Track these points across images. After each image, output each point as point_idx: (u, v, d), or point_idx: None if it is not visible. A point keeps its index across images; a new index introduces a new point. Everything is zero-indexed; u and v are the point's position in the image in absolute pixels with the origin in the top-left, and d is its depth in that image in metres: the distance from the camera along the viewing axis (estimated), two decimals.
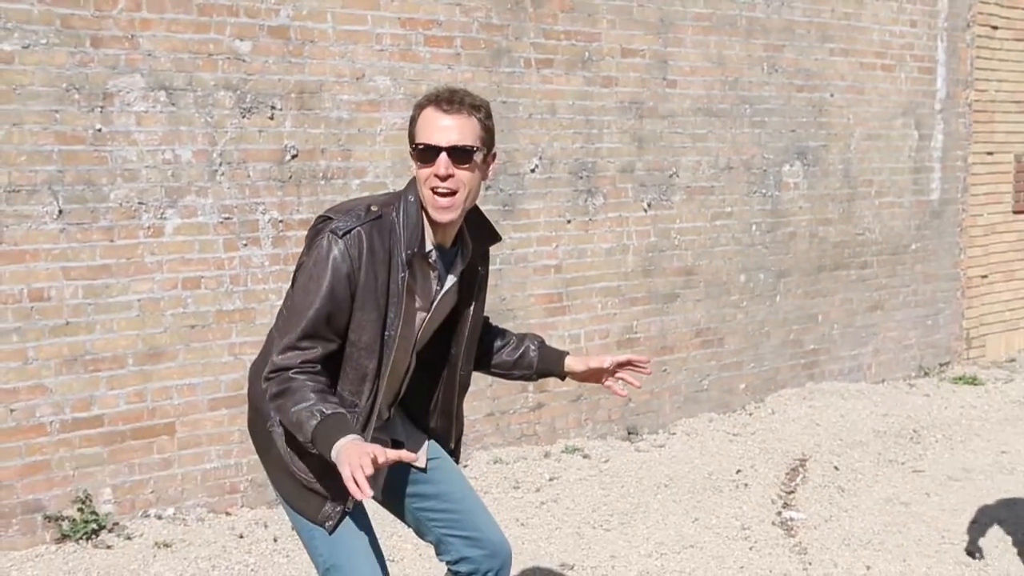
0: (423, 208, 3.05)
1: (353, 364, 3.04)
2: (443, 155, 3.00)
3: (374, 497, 3.30)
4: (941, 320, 9.38)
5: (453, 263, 3.17)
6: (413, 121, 3.06)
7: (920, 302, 9.18)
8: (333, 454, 2.83)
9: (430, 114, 3.04)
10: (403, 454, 2.87)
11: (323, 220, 3.05)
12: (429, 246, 3.08)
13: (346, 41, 6.00)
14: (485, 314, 3.43)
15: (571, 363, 3.50)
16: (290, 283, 3.17)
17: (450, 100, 3.04)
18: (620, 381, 3.56)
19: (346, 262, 2.95)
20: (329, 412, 2.90)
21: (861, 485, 6.43)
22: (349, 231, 2.97)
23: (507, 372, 3.52)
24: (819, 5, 8.22)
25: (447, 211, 3.03)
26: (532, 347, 3.50)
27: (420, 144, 3.03)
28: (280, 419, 3.02)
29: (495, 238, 3.28)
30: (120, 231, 5.37)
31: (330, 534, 3.10)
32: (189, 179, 5.55)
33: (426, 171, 3.02)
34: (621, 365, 3.53)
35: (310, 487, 3.09)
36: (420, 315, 3.13)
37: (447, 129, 3.02)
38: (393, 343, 3.06)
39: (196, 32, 5.51)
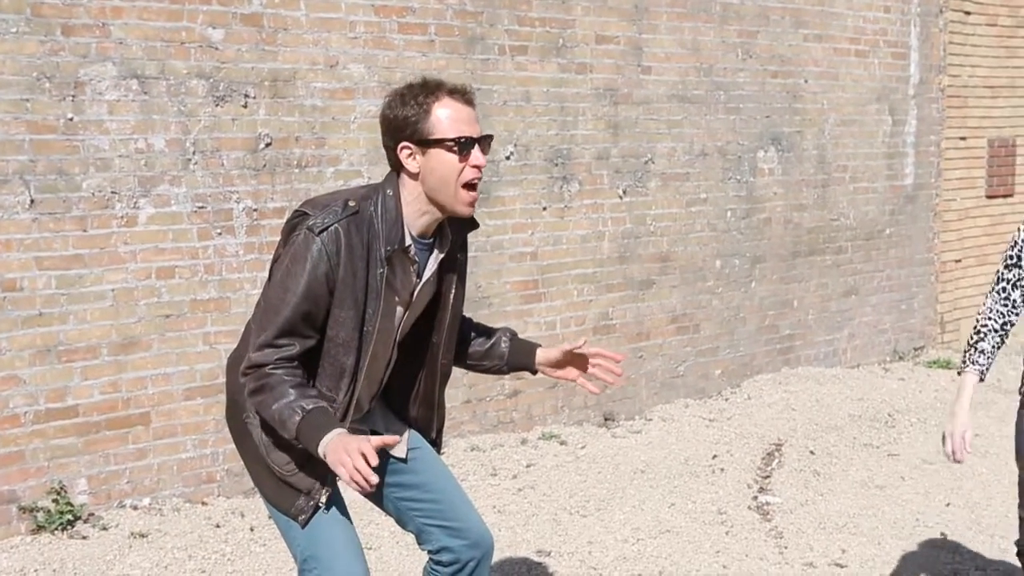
0: (400, 201, 3.04)
1: (331, 360, 3.03)
2: (477, 147, 3.01)
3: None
4: (915, 305, 9.43)
5: (431, 253, 3.15)
6: (426, 113, 2.98)
7: (894, 287, 9.23)
8: (320, 451, 2.84)
9: (455, 105, 3.00)
10: (386, 439, 2.89)
11: (299, 215, 3.02)
12: (409, 240, 3.06)
13: (319, 29, 5.98)
14: None
15: (543, 355, 3.45)
16: (267, 276, 3.15)
17: (464, 91, 3.04)
18: (593, 378, 3.49)
19: (324, 259, 2.93)
20: (311, 408, 2.89)
21: (836, 469, 6.47)
22: (327, 227, 2.94)
23: (477, 363, 3.47)
24: None
25: (474, 203, 3.06)
26: (504, 339, 3.46)
27: (462, 138, 2.99)
28: (262, 416, 3.00)
29: (473, 225, 3.26)
30: (93, 221, 5.34)
31: (303, 528, 3.09)
32: (162, 168, 5.52)
33: (461, 164, 2.99)
34: (594, 355, 3.47)
35: (285, 480, 3.09)
36: (399, 309, 3.11)
37: (474, 120, 3.02)
38: (371, 339, 3.04)
39: (168, 20, 5.48)
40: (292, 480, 3.08)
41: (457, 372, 6.38)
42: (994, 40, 9.83)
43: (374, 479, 2.76)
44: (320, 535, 3.10)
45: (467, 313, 3.52)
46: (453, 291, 3.25)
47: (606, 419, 7.32)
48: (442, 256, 3.16)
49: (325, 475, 3.05)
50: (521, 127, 6.81)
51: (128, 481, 5.52)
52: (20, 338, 5.18)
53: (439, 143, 2.99)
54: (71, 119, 5.25)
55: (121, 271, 5.43)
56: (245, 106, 5.74)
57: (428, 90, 3.02)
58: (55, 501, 5.27)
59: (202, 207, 5.64)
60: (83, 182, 5.30)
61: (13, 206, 5.13)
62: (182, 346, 5.63)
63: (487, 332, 3.49)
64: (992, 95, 9.85)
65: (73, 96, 5.25)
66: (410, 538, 3.45)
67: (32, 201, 5.17)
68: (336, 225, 2.95)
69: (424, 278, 3.14)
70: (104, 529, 5.28)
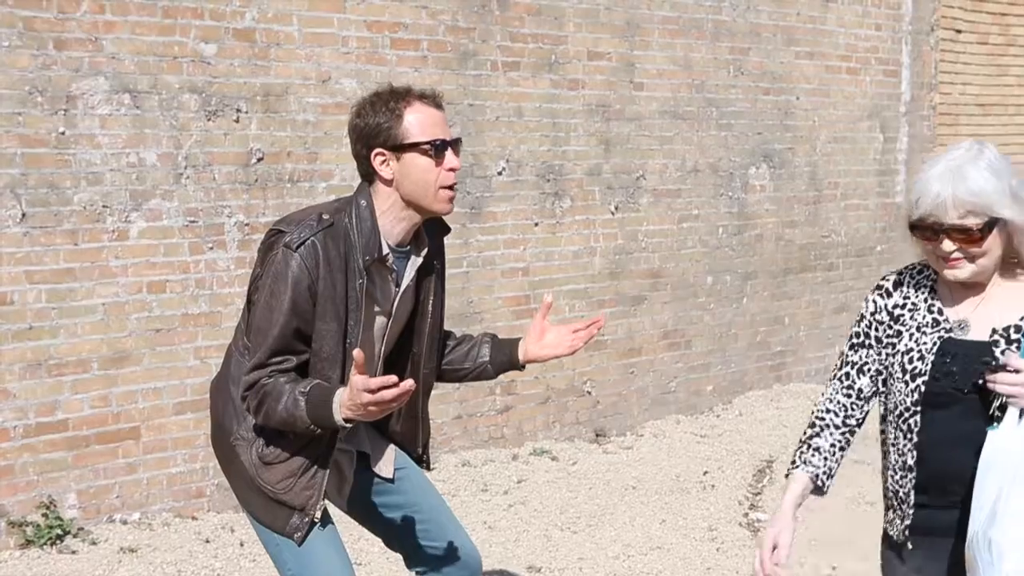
0: (374, 211, 3.03)
1: (316, 374, 3.01)
2: (450, 150, 3.02)
3: (340, 507, 3.30)
4: None
5: (408, 260, 3.14)
6: (398, 118, 2.98)
7: None
8: (339, 420, 2.86)
9: (425, 109, 3.01)
10: (388, 378, 2.80)
11: (275, 234, 3.02)
12: (386, 249, 3.05)
13: (312, 44, 5.99)
14: None
15: (524, 345, 3.34)
16: (246, 299, 3.14)
17: (432, 95, 3.06)
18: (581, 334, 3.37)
19: (304, 273, 2.92)
20: (309, 388, 2.90)
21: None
22: (304, 242, 2.93)
23: (459, 367, 3.37)
24: (785, 8, 8.26)
25: (453, 200, 3.08)
26: (485, 340, 3.40)
27: (437, 141, 3.00)
28: (271, 425, 2.99)
29: (445, 229, 3.26)
30: (84, 234, 5.34)
31: (299, 546, 3.07)
32: (154, 182, 5.52)
33: (438, 168, 3.00)
34: (575, 330, 3.36)
35: (277, 499, 3.07)
36: (380, 319, 3.11)
37: (445, 123, 3.05)
38: (353, 350, 3.04)
39: (160, 34, 5.48)
40: (285, 498, 3.06)
41: (448, 387, 6.39)
42: (985, 58, 9.87)
43: (397, 391, 2.74)
44: (310, 556, 3.08)
45: (458, 329, 3.52)
46: (432, 298, 3.22)
47: (597, 435, 7.32)
48: (420, 262, 3.15)
49: (319, 490, 3.05)
50: (513, 143, 6.82)
51: (118, 496, 5.50)
52: (10, 352, 5.17)
53: (413, 147, 2.99)
54: (63, 133, 5.25)
55: (112, 285, 5.42)
56: (237, 121, 5.74)
57: (397, 96, 3.02)
58: (44, 515, 5.25)
59: (194, 221, 5.64)
60: (74, 196, 5.30)
61: (4, 220, 5.12)
62: (173, 360, 5.62)
63: (468, 338, 3.44)
64: (983, 113, 9.88)
65: (65, 110, 5.25)
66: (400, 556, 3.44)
67: (23, 215, 5.16)
68: (312, 239, 2.94)
69: (403, 286, 3.12)
70: (94, 544, 5.26)
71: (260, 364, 2.96)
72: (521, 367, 3.37)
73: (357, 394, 2.76)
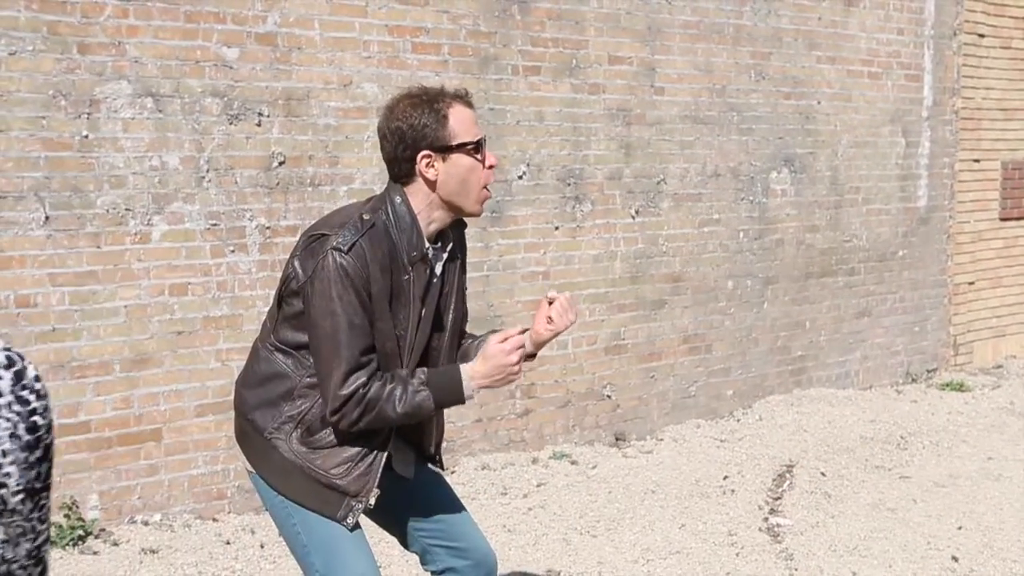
0: (412, 209, 3.05)
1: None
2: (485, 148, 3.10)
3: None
4: (928, 327, 9.41)
5: (437, 257, 3.16)
6: (444, 119, 3.01)
7: (907, 309, 9.21)
8: (469, 393, 3.06)
9: (464, 110, 3.06)
10: (515, 342, 3.07)
11: (318, 237, 3.02)
12: (427, 245, 3.09)
13: (333, 48, 6.01)
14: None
15: (533, 331, 3.27)
16: (276, 297, 3.13)
17: (466, 95, 3.10)
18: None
19: (359, 275, 2.94)
20: (426, 379, 3.02)
21: (848, 491, 6.45)
22: (353, 244, 2.95)
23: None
24: (806, 13, 8.25)
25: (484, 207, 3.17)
26: (489, 333, 3.36)
27: (479, 140, 3.07)
28: (382, 425, 3.02)
29: (462, 223, 3.28)
30: (107, 237, 5.37)
31: (351, 531, 3.08)
32: (176, 186, 5.55)
33: (479, 166, 3.07)
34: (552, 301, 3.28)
35: (330, 484, 3.07)
36: (423, 313, 3.12)
37: (478, 123, 3.10)
38: (406, 345, 3.07)
39: (183, 39, 5.52)
40: (340, 483, 3.07)
41: None
42: (1008, 63, 9.83)
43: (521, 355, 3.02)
44: (340, 558, 3.09)
45: (477, 332, 3.52)
46: (455, 291, 3.25)
47: (617, 439, 7.32)
48: (445, 256, 3.18)
49: (375, 476, 3.08)
50: (534, 147, 6.83)
51: (139, 497, 5.53)
52: (34, 353, 5.20)
53: (459, 148, 3.03)
54: (86, 136, 5.29)
55: (134, 288, 5.46)
56: (259, 124, 5.77)
57: (438, 97, 3.06)
58: (67, 516, 5.28)
59: (215, 225, 5.67)
60: (97, 199, 5.33)
61: (28, 222, 5.16)
62: (194, 363, 5.65)
63: (474, 336, 3.42)
64: (1006, 117, 9.84)
65: (88, 114, 5.29)
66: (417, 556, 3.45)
67: (47, 218, 5.20)
68: (360, 240, 2.96)
69: (434, 281, 3.15)
70: (115, 545, 5.29)
71: (348, 372, 2.95)
72: (530, 356, 3.30)
73: (504, 357, 3.00)
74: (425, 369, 3.04)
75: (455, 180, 3.05)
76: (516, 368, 3.02)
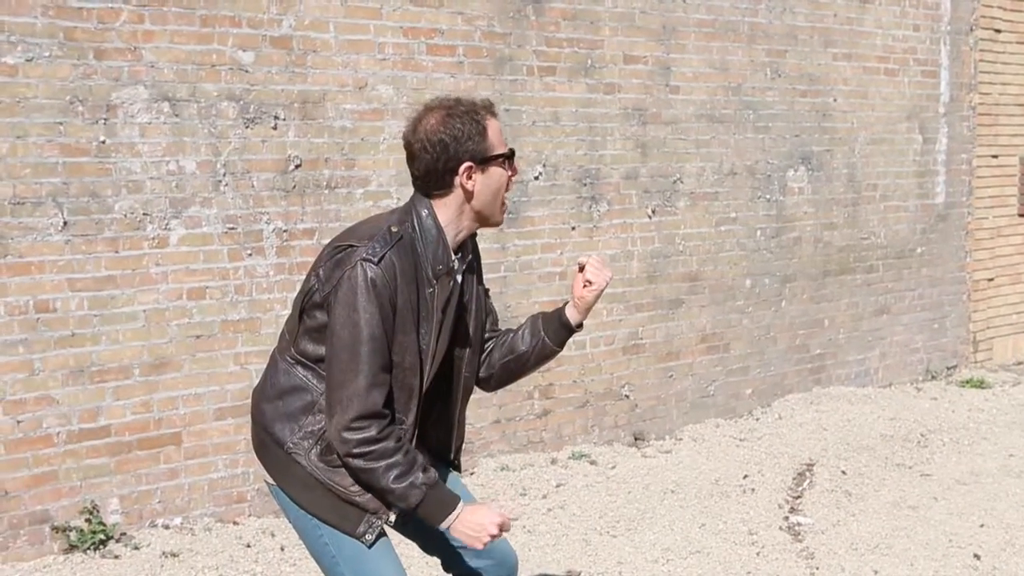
0: (439, 222, 3.06)
1: (399, 384, 3.04)
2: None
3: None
4: (948, 324, 9.37)
5: (459, 267, 3.17)
6: (482, 133, 3.03)
7: (926, 306, 9.18)
8: (444, 524, 3.02)
9: (496, 123, 3.09)
10: (509, 513, 3.07)
11: (346, 248, 3.01)
12: (453, 257, 3.10)
13: (348, 51, 6.02)
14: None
15: (572, 301, 3.32)
16: (298, 307, 3.13)
17: (493, 105, 3.13)
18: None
19: (386, 287, 2.94)
20: (431, 482, 3.00)
21: (868, 489, 6.42)
22: (383, 256, 2.95)
23: (518, 352, 3.34)
24: (821, 10, 8.22)
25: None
26: (531, 318, 3.39)
27: (510, 151, 3.11)
28: (367, 481, 3.02)
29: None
30: (125, 242, 5.39)
31: (369, 548, 3.08)
32: (193, 190, 5.56)
33: (507, 177, 3.11)
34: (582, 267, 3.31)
35: (350, 500, 3.06)
36: (439, 324, 3.12)
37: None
38: (427, 357, 3.07)
39: (199, 43, 5.53)
40: (359, 500, 3.07)
41: (486, 392, 6.37)
42: None
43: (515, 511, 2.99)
44: (368, 571, 3.09)
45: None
46: (475, 300, 3.26)
47: (636, 439, 7.30)
48: (463, 267, 3.19)
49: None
50: (550, 147, 6.83)
51: (159, 501, 5.54)
52: (53, 359, 5.23)
53: (495, 159, 3.07)
54: (103, 142, 5.30)
55: (152, 292, 5.47)
56: (275, 128, 5.78)
57: (477, 107, 3.07)
58: (88, 520, 5.30)
59: (232, 228, 5.68)
60: (115, 204, 5.35)
61: (46, 228, 5.18)
62: (213, 366, 5.66)
63: (511, 329, 3.43)
64: (1023, 112, 9.79)
65: (105, 119, 5.30)
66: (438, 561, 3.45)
67: (65, 223, 5.22)
68: (389, 252, 2.97)
69: (455, 291, 3.16)
70: (136, 548, 5.31)
71: (368, 386, 2.94)
72: (577, 326, 3.34)
73: (491, 525, 3.00)
74: (436, 475, 3.03)
75: (489, 191, 3.08)
76: (488, 537, 3.01)
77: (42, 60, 5.13)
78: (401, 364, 3.02)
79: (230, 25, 5.62)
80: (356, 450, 2.95)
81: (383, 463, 2.95)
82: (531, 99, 6.74)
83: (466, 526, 3.01)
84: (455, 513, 3.01)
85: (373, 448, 2.95)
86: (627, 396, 7.30)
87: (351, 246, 3.00)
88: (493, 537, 3.02)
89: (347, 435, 2.95)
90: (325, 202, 5.96)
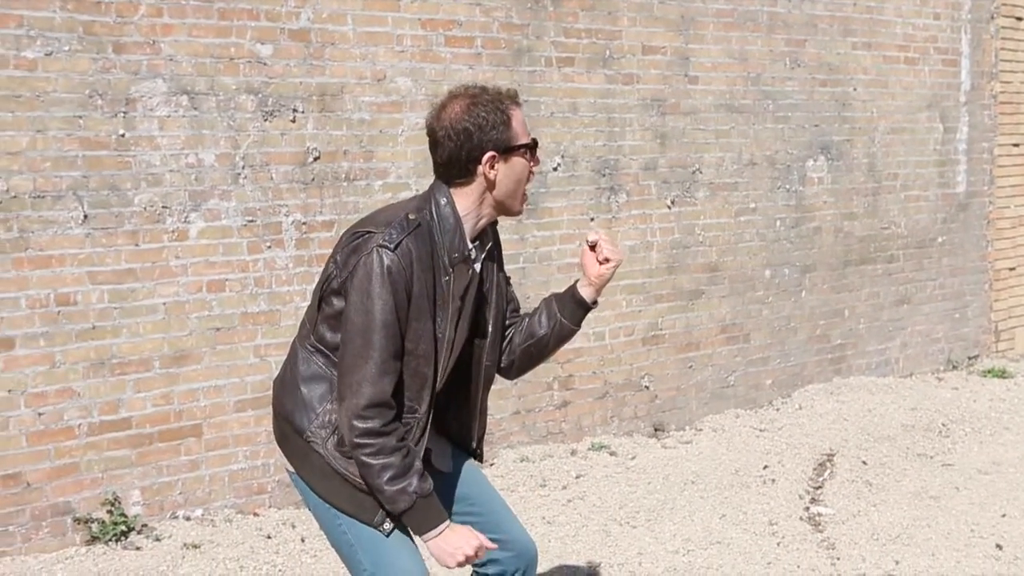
0: (456, 210, 3.06)
1: (412, 372, 3.04)
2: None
3: None
4: (969, 313, 9.32)
5: (477, 256, 3.17)
6: (507, 123, 3.03)
7: (947, 295, 9.13)
8: (426, 535, 3.04)
9: (520, 113, 3.09)
10: (487, 544, 3.12)
11: (363, 235, 3.01)
12: (470, 246, 3.10)
13: (367, 43, 6.02)
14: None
15: (586, 279, 3.33)
16: (317, 295, 3.14)
17: (517, 96, 3.12)
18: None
19: (402, 274, 2.95)
20: (426, 492, 3.01)
21: (889, 479, 6.40)
22: (399, 243, 2.95)
23: (537, 336, 3.34)
24: None
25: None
26: (545, 300, 3.39)
27: (533, 142, 3.11)
28: (363, 473, 3.02)
29: (495, 219, 3.28)
30: (145, 235, 5.41)
31: (387, 536, 3.09)
32: (212, 183, 5.58)
33: (528, 167, 3.10)
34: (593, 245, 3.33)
35: (365, 489, 3.07)
36: (458, 312, 3.13)
37: None
38: (442, 346, 3.07)
39: (217, 36, 5.54)
40: None
41: (506, 383, 6.40)
42: None
43: (491, 544, 3.13)
44: (387, 555, 3.10)
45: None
46: (495, 287, 3.26)
47: (656, 429, 7.30)
48: (483, 255, 3.19)
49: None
50: (568, 138, 6.82)
51: (180, 492, 5.57)
52: (74, 351, 5.25)
53: (518, 149, 3.07)
54: (123, 135, 5.32)
55: (173, 284, 5.49)
56: (294, 120, 5.79)
57: (502, 97, 3.08)
58: (109, 512, 5.33)
59: (252, 221, 5.70)
60: (135, 197, 5.37)
61: (67, 221, 5.20)
62: (233, 359, 5.68)
63: (527, 313, 3.43)
64: None
65: (125, 112, 5.32)
66: None
67: (85, 216, 5.24)
68: (406, 239, 2.97)
69: (474, 280, 3.16)
70: (157, 540, 5.33)
71: (378, 373, 2.95)
72: (593, 303, 3.36)
73: (467, 547, 3.04)
74: (431, 487, 3.03)
75: (511, 181, 3.08)
76: (462, 557, 3.05)
77: (61, 54, 5.15)
78: (415, 352, 3.02)
79: (248, 18, 5.63)
80: (358, 440, 2.97)
81: (379, 461, 2.96)
82: (549, 90, 6.73)
83: (445, 543, 3.03)
84: (437, 531, 3.03)
85: (374, 442, 2.96)
86: (647, 387, 7.29)
87: (368, 232, 3.01)
88: (466, 559, 3.05)
89: (355, 423, 2.96)
90: (344, 194, 5.97)
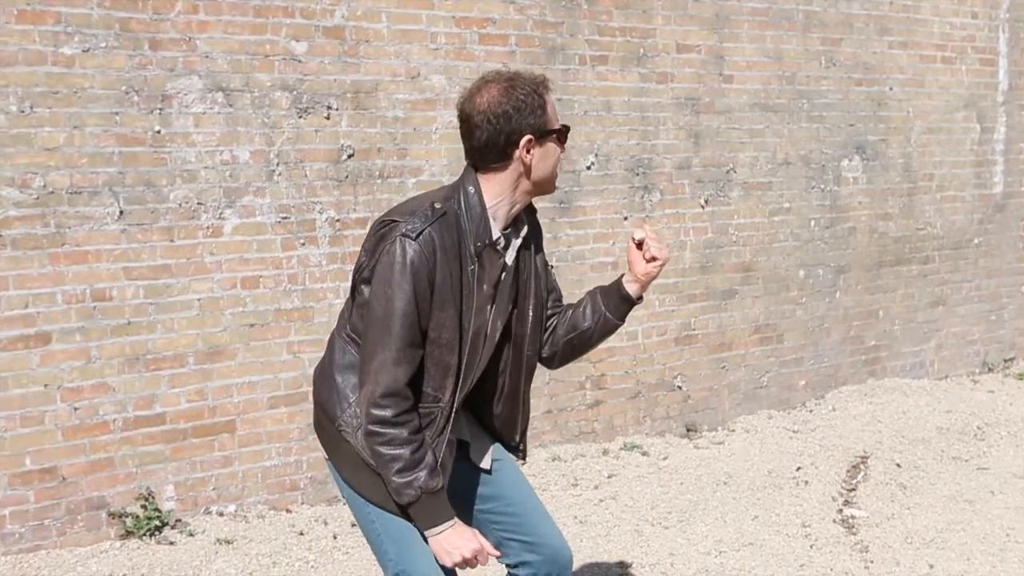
0: (483, 197, 3.06)
1: (435, 361, 3.04)
2: None
3: None
4: (1005, 315, 9.24)
5: (509, 243, 3.16)
6: (543, 107, 3.04)
7: (983, 297, 9.06)
8: (431, 530, 3.04)
9: (552, 100, 3.11)
10: (490, 550, 3.11)
11: (388, 224, 3.03)
12: (496, 234, 3.09)
13: (401, 40, 6.02)
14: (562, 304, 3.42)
15: (632, 274, 3.33)
16: (351, 287, 3.16)
17: (547, 82, 3.13)
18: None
19: (424, 264, 2.95)
20: (437, 486, 3.01)
21: (924, 483, 6.36)
22: (421, 232, 2.96)
23: (581, 329, 3.34)
24: None
25: None
26: (590, 293, 3.39)
27: (565, 127, 3.13)
28: (373, 459, 3.04)
29: (533, 208, 3.27)
30: (180, 231, 5.43)
31: (415, 527, 3.09)
32: (247, 179, 5.60)
33: (559, 152, 3.13)
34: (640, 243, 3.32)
35: None
36: (489, 303, 3.12)
37: None
38: (468, 335, 3.06)
39: (252, 33, 5.56)
40: None
41: (539, 382, 6.37)
42: None
43: (495, 552, 3.14)
44: (413, 548, 3.10)
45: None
46: (534, 278, 3.25)
47: (688, 430, 7.27)
48: (519, 243, 3.18)
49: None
50: (602, 137, 6.80)
51: (214, 488, 5.59)
52: (110, 347, 5.28)
53: (552, 134, 3.09)
54: (158, 132, 5.35)
55: (207, 281, 5.51)
56: (328, 118, 5.80)
57: (536, 82, 3.08)
58: (143, 507, 5.35)
59: (286, 218, 5.71)
60: (170, 193, 5.39)
61: (103, 217, 5.23)
62: (266, 355, 5.69)
63: (572, 304, 3.42)
64: None
65: (160, 109, 5.34)
66: None
67: (121, 212, 5.27)
68: (429, 228, 2.97)
69: (507, 269, 3.15)
70: (191, 535, 5.36)
71: (395, 361, 2.95)
72: (637, 298, 3.35)
73: (467, 549, 3.04)
74: (441, 484, 3.04)
75: (546, 165, 3.09)
76: (459, 558, 3.05)
77: (98, 51, 5.18)
78: (438, 340, 3.02)
79: (283, 16, 5.64)
80: (371, 427, 2.98)
81: (389, 452, 2.97)
82: (583, 88, 6.71)
83: (446, 541, 3.04)
84: (439, 528, 3.04)
85: (386, 431, 2.97)
86: (679, 387, 7.27)
87: (393, 221, 3.02)
88: (464, 561, 3.05)
89: (372, 410, 2.98)
90: (377, 192, 5.98)
